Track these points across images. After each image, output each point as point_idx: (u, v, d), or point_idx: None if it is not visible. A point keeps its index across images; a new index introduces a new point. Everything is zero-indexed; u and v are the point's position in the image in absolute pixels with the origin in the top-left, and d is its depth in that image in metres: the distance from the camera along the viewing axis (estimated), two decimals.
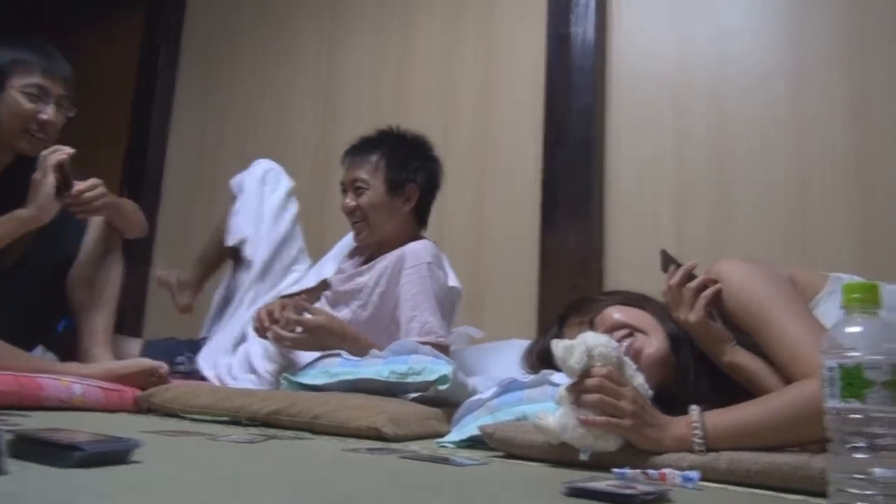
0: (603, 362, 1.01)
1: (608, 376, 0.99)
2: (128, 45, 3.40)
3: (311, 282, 2.04)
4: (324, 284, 2.00)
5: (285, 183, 2.21)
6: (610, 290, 1.44)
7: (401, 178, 1.89)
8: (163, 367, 1.67)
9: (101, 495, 0.64)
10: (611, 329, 1.19)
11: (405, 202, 1.90)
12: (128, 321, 2.71)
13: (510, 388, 1.24)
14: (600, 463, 0.98)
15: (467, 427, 1.24)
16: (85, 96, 3.42)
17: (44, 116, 1.76)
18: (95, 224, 1.90)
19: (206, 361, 1.97)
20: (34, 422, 1.20)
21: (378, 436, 1.25)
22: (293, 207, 2.19)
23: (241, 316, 2.04)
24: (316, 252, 2.23)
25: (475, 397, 1.29)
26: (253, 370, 1.93)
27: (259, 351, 1.93)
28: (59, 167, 1.70)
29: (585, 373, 1.00)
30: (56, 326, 1.98)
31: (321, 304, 1.91)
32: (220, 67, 3.17)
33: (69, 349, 1.88)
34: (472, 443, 1.21)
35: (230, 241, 2.11)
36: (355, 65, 2.81)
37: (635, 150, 2.27)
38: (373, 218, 1.88)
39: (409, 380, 1.46)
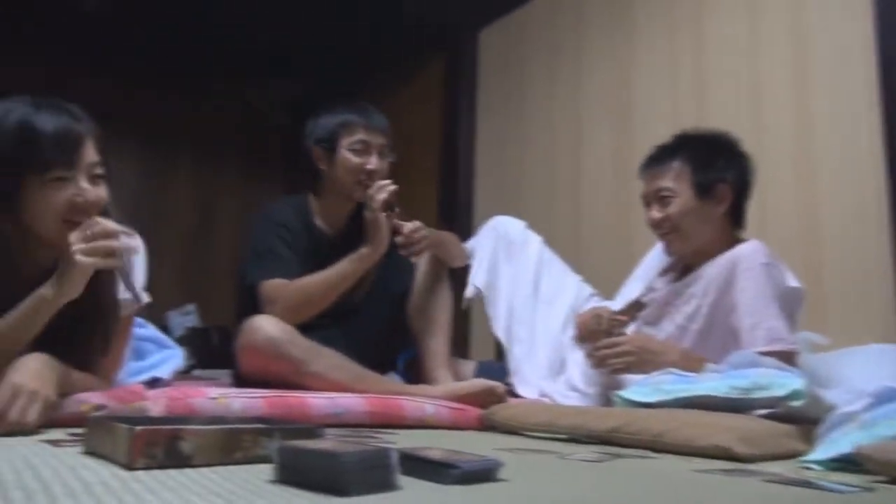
0: None
1: None
2: (432, 93, 3.76)
3: (617, 305, 2.01)
4: (636, 306, 1.96)
5: (515, 224, 2.29)
6: None
7: (709, 180, 1.77)
8: (500, 386, 1.77)
9: None
10: None
11: (717, 205, 1.78)
12: (456, 344, 2.92)
13: (888, 398, 1.08)
14: None
15: (834, 445, 1.11)
16: (400, 141, 3.82)
17: (369, 167, 1.97)
18: (424, 258, 2.09)
19: (526, 385, 2.04)
20: (402, 440, 1.34)
21: (728, 455, 1.17)
22: (534, 238, 2.28)
23: (546, 341, 2.10)
24: (623, 271, 2.20)
25: (842, 411, 1.15)
26: (574, 388, 1.96)
27: (578, 374, 1.95)
28: (387, 205, 1.89)
29: None
30: (399, 355, 2.21)
31: (636, 326, 1.87)
32: (514, 100, 3.32)
33: (413, 373, 2.10)
34: (840, 463, 1.08)
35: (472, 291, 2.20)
36: (651, 73, 2.74)
37: None
38: (684, 227, 1.79)
39: (755, 395, 1.35)
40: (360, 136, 1.98)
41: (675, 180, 1.80)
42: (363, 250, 1.90)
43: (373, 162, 1.98)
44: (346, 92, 4.04)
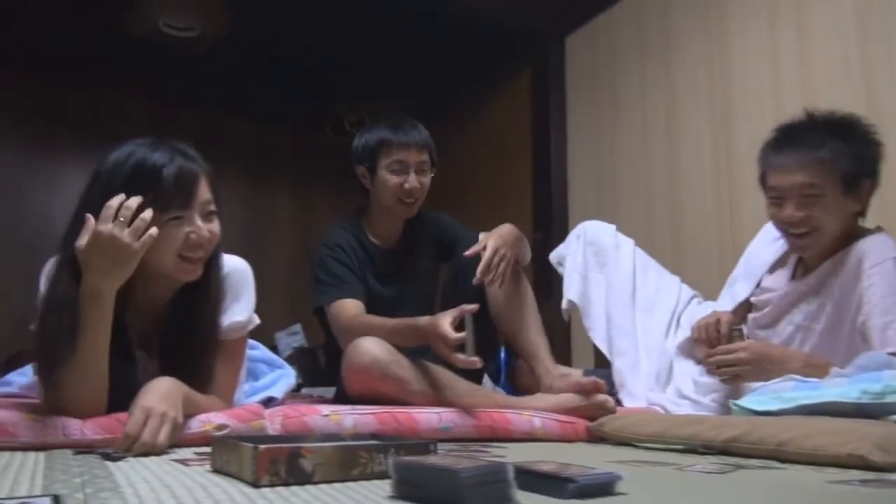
0: None
1: None
2: (522, 102, 3.75)
3: (726, 305, 1.92)
4: (746, 307, 1.86)
5: (604, 229, 2.21)
6: None
7: (858, 176, 1.56)
8: (609, 400, 1.73)
9: None
10: None
11: (858, 202, 1.60)
12: (557, 353, 2.88)
13: None
14: None
15: None
16: (493, 151, 3.81)
17: (406, 186, 1.97)
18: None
19: (632, 395, 1.99)
20: (511, 453, 1.33)
21: (863, 464, 1.10)
22: (625, 242, 2.21)
23: (649, 351, 2.04)
24: (726, 271, 2.10)
25: None
26: (684, 397, 1.89)
27: (688, 383, 1.88)
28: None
29: None
30: (491, 357, 2.17)
31: (747, 329, 1.78)
32: (605, 103, 3.28)
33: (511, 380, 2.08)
34: None
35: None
36: (749, 67, 2.62)
37: None
38: (826, 227, 1.59)
39: (889, 399, 1.26)
40: (396, 156, 1.98)
41: (823, 175, 1.55)
42: (422, 325, 1.70)
43: (411, 181, 1.98)
44: (437, 108, 4.11)
